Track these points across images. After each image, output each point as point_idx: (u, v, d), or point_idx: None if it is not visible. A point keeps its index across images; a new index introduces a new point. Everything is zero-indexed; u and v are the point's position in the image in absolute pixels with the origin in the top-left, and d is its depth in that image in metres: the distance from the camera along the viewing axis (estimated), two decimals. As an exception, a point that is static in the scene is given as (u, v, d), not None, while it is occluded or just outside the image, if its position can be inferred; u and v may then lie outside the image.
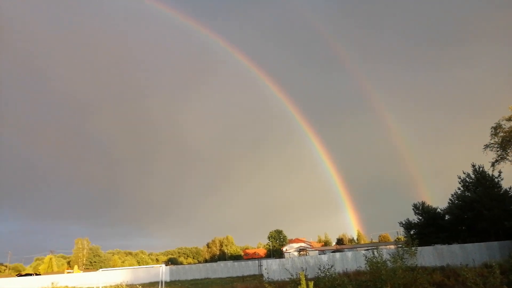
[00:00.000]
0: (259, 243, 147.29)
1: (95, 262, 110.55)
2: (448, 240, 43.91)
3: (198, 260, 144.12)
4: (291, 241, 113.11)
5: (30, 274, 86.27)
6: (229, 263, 64.10)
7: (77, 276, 58.83)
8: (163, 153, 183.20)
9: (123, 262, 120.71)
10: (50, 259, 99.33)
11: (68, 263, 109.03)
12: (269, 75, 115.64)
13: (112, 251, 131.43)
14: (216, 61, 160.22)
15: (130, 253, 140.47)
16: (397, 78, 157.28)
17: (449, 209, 45.37)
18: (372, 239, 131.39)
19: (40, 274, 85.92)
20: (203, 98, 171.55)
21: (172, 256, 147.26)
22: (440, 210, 47.48)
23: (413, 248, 26.07)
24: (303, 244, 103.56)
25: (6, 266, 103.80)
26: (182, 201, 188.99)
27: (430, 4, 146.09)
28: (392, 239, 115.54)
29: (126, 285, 40.93)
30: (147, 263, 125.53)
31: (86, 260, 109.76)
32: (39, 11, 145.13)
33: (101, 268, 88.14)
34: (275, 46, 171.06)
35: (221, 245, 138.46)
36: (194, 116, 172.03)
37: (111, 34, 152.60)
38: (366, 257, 21.69)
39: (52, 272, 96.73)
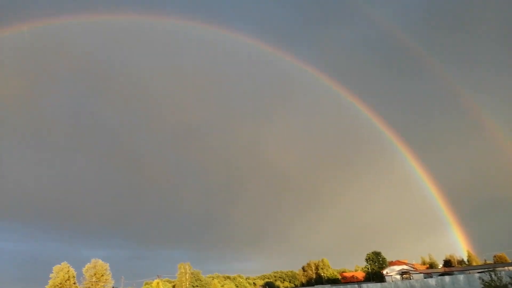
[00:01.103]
0: (356, 266, 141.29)
1: (197, 286, 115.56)
2: None
3: (294, 284, 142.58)
4: (392, 264, 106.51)
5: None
6: (327, 287, 62.51)
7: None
8: (254, 177, 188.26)
9: (222, 286, 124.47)
10: (158, 283, 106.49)
11: (173, 286, 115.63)
12: (354, 93, 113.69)
13: (212, 275, 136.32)
14: (299, 84, 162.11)
15: (229, 277, 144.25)
16: (499, 84, 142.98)
17: None
18: (486, 260, 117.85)
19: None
20: (287, 121, 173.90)
21: (269, 280, 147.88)
22: None
23: (539, 269, 23.03)
24: (405, 267, 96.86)
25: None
26: (275, 224, 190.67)
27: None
28: (510, 260, 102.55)
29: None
30: (245, 287, 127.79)
31: (189, 284, 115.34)
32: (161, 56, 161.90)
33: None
34: (357, 64, 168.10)
35: (316, 269, 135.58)
36: (281, 139, 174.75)
37: (206, 70, 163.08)
38: (482, 280, 19.75)
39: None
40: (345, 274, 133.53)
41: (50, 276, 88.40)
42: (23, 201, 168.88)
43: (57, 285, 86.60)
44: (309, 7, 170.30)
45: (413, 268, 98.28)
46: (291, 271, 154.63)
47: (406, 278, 75.60)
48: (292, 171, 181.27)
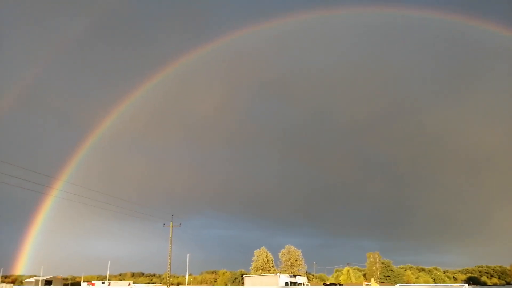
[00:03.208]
0: None
1: (388, 276, 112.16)
2: None
3: (506, 281, 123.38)
4: None
5: (334, 284, 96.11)
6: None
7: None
8: (448, 164, 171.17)
9: (417, 278, 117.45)
10: (348, 271, 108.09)
11: (364, 275, 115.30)
12: None
13: (404, 266, 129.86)
14: (497, 52, 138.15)
15: (423, 269, 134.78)
16: None
17: None
18: None
19: (342, 285, 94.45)
20: (488, 97, 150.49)
21: (472, 275, 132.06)
22: None
23: None
24: None
25: (313, 275, 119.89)
26: (475, 214, 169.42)
27: None
28: None
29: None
30: (443, 281, 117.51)
31: (380, 273, 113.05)
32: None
33: (396, 283, 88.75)
34: None
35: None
36: (480, 118, 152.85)
37: (385, 54, 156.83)
38: None
39: (351, 283, 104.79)
40: None
41: (252, 259, 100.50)
42: (231, 196, 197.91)
43: (259, 267, 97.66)
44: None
45: None
46: (500, 266, 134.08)
47: None
48: (496, 155, 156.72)
